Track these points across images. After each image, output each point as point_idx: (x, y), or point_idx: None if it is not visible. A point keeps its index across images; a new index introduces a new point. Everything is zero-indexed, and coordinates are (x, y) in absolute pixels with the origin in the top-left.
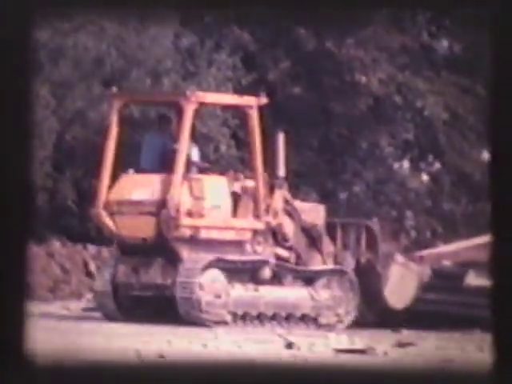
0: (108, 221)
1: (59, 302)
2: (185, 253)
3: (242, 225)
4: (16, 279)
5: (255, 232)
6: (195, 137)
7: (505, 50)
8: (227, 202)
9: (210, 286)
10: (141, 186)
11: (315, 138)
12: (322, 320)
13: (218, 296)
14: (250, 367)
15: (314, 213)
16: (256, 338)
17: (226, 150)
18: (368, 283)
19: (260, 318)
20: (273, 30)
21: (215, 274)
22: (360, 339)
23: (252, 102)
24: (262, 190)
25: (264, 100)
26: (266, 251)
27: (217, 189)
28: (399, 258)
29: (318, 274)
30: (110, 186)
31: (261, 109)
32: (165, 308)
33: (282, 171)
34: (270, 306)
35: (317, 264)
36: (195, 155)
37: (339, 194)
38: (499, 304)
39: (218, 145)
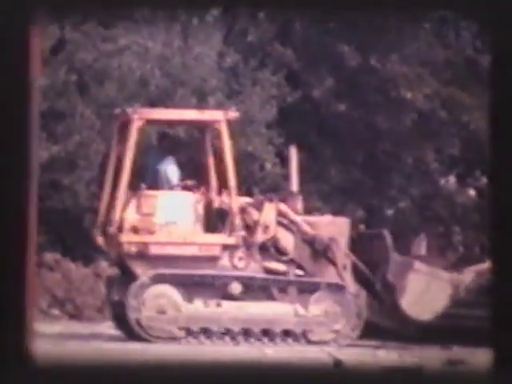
0: (100, 240)
1: (107, 322)
2: (139, 269)
3: (206, 240)
4: (16, 279)
5: (229, 247)
6: (175, 155)
7: None
8: (187, 218)
9: (151, 301)
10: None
11: (360, 155)
12: (313, 337)
13: (163, 312)
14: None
15: (331, 226)
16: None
17: (271, 168)
18: (383, 295)
19: (228, 333)
20: (316, 47)
21: (161, 289)
22: (410, 356)
23: (219, 117)
24: (235, 205)
25: (234, 114)
26: (250, 266)
27: (173, 205)
28: (420, 266)
29: (312, 288)
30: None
31: (230, 123)
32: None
33: (294, 186)
34: (237, 321)
35: (330, 277)
36: (173, 175)
37: (385, 210)
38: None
39: (263, 163)
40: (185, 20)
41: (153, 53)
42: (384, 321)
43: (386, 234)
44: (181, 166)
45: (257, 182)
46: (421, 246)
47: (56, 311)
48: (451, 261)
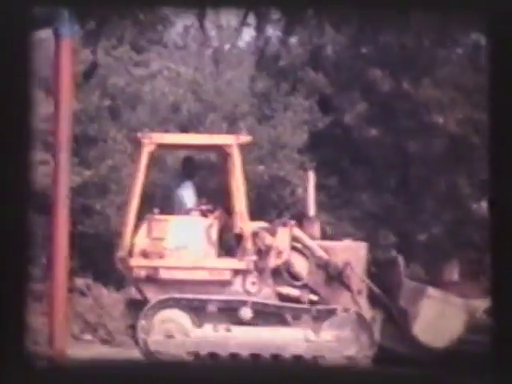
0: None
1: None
2: (149, 293)
3: (217, 265)
4: (16, 280)
5: (240, 272)
6: (193, 180)
7: None
8: (199, 243)
9: (159, 326)
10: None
11: (392, 180)
12: (323, 362)
13: (171, 336)
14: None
15: (347, 251)
16: None
17: (303, 193)
18: (396, 319)
19: (236, 358)
20: (348, 71)
21: (170, 313)
22: None
23: (230, 141)
24: (246, 230)
25: (245, 138)
26: (262, 291)
27: (184, 229)
28: (434, 292)
29: (325, 314)
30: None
31: (241, 147)
32: None
33: (311, 210)
34: (244, 346)
35: (344, 302)
36: (189, 199)
37: (418, 235)
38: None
39: (295, 188)
40: (217, 45)
41: (185, 78)
42: (400, 347)
43: (400, 259)
44: (204, 190)
45: (288, 206)
46: (453, 271)
47: (88, 336)
48: (484, 286)
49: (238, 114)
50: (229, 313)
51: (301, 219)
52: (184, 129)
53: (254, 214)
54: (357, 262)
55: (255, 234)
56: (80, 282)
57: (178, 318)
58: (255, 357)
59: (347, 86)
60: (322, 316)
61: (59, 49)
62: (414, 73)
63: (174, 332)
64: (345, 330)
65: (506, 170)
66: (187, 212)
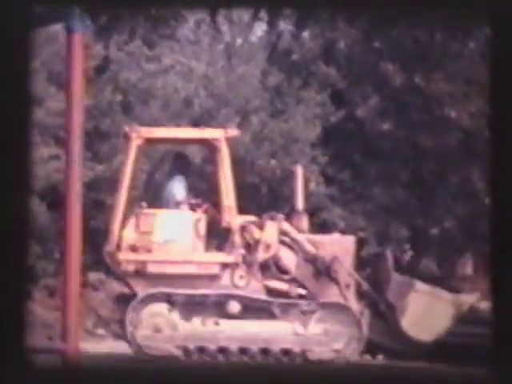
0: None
1: None
2: (137, 287)
3: (205, 259)
4: (16, 280)
5: (229, 266)
6: (183, 174)
7: None
8: (187, 237)
9: (148, 320)
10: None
11: (405, 174)
12: (312, 355)
13: (159, 330)
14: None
15: (336, 245)
16: None
17: (315, 187)
18: (385, 314)
19: (225, 352)
20: (361, 65)
21: (158, 307)
22: None
23: (218, 135)
24: (234, 223)
25: (233, 132)
26: (250, 285)
27: (172, 223)
28: (421, 286)
29: (313, 308)
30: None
31: (229, 140)
32: None
33: (300, 204)
34: (233, 340)
35: (332, 296)
36: (179, 193)
37: (430, 229)
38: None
39: (307, 183)
40: (229, 40)
41: (197, 72)
42: (388, 341)
43: (388, 253)
44: (195, 185)
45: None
46: (466, 265)
47: (101, 331)
48: None
49: (250, 108)
50: (217, 307)
51: (290, 213)
52: (196, 124)
53: (267, 209)
54: (345, 255)
55: (243, 228)
56: (93, 276)
57: (167, 312)
58: (244, 351)
59: (359, 79)
60: (310, 310)
61: (71, 44)
62: (426, 67)
63: (163, 326)
64: (333, 323)
65: (507, 172)
66: (176, 205)
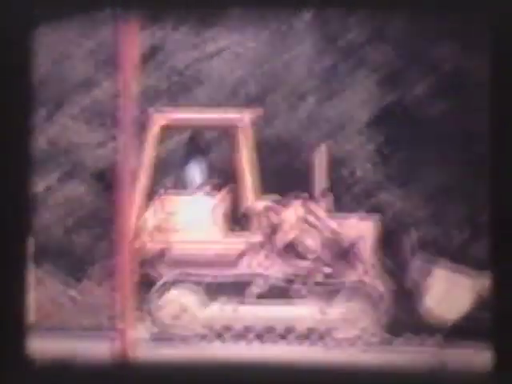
0: None
1: None
2: (161, 269)
3: (229, 240)
4: (16, 280)
5: (252, 247)
6: (203, 156)
7: None
8: (208, 220)
9: (174, 300)
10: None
11: (457, 158)
12: (338, 334)
13: (185, 310)
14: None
15: (359, 226)
16: None
17: (363, 174)
18: (404, 293)
19: (250, 331)
20: (411, 49)
21: (184, 289)
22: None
23: (239, 117)
24: (256, 205)
25: (255, 113)
26: (273, 266)
27: (195, 205)
28: (445, 265)
29: (336, 288)
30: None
31: (252, 123)
32: None
33: (323, 184)
34: (259, 320)
35: (355, 276)
36: (198, 175)
37: (479, 215)
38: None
39: (354, 169)
40: (279, 23)
41: (245, 58)
42: (410, 319)
43: (413, 232)
44: (214, 167)
45: (355, 182)
46: None
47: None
48: None
49: (302, 91)
50: (241, 287)
51: (298, 192)
52: (248, 107)
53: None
54: (367, 236)
55: (268, 208)
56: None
57: (192, 293)
58: (269, 329)
59: (409, 63)
60: (333, 289)
61: (120, 30)
62: (477, 50)
63: (189, 307)
64: (357, 302)
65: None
66: (197, 187)
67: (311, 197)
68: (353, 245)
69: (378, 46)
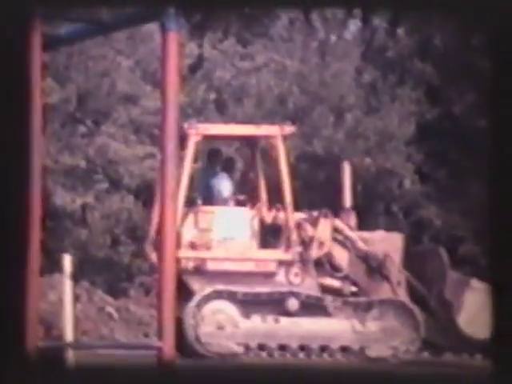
0: (154, 256)
1: None
2: (196, 285)
3: (263, 256)
4: (17, 279)
5: (285, 263)
6: (228, 171)
7: None
8: (244, 234)
9: (210, 317)
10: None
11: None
12: (371, 353)
13: (221, 327)
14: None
15: (385, 242)
16: None
17: (411, 185)
18: (438, 312)
19: (285, 349)
20: (456, 62)
21: (219, 305)
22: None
23: (275, 132)
24: (291, 221)
25: (290, 129)
26: (305, 282)
27: (230, 221)
28: (477, 284)
29: (367, 305)
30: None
31: (285, 138)
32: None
33: (348, 201)
34: (294, 337)
35: (384, 293)
36: (226, 190)
37: None
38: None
39: (402, 180)
40: (323, 37)
41: (290, 70)
42: (439, 338)
43: (442, 251)
44: (236, 182)
45: (395, 198)
46: None
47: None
48: None
49: (345, 106)
50: (276, 304)
51: (326, 209)
52: (291, 121)
53: (360, 207)
54: (394, 252)
55: (298, 225)
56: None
57: (228, 309)
58: (303, 348)
59: (455, 76)
60: (366, 307)
61: (166, 42)
62: None
63: (225, 323)
64: (390, 320)
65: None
66: (224, 202)
67: (337, 214)
68: (381, 263)
69: (422, 60)
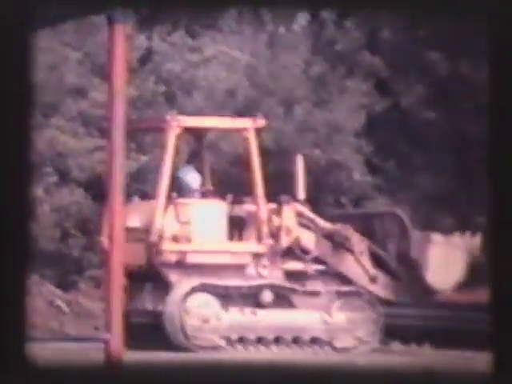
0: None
1: None
2: (174, 278)
3: (239, 248)
4: (17, 279)
5: (257, 255)
6: (202, 162)
7: None
8: (221, 226)
9: (195, 311)
10: (136, 213)
11: (451, 163)
12: (338, 343)
13: (206, 321)
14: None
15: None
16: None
17: (360, 177)
18: (407, 272)
19: (262, 341)
20: (405, 54)
21: (203, 298)
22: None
23: (247, 125)
24: (263, 213)
25: (262, 122)
26: (273, 274)
27: (207, 213)
28: (437, 237)
29: (332, 297)
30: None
31: (258, 130)
32: (161, 335)
33: (301, 194)
34: (270, 329)
35: (350, 265)
36: (195, 181)
37: (477, 218)
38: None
39: (351, 172)
40: (272, 29)
41: (240, 62)
42: (401, 298)
43: (401, 212)
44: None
45: (344, 191)
46: None
47: None
48: None
49: (294, 98)
50: (251, 296)
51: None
52: (240, 114)
53: (311, 200)
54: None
55: (270, 213)
56: None
57: (211, 302)
58: (278, 340)
59: (404, 69)
60: (329, 299)
61: (113, 35)
62: (471, 55)
63: (210, 316)
64: (352, 311)
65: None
66: (192, 194)
67: (295, 201)
68: (345, 237)
69: (371, 53)
